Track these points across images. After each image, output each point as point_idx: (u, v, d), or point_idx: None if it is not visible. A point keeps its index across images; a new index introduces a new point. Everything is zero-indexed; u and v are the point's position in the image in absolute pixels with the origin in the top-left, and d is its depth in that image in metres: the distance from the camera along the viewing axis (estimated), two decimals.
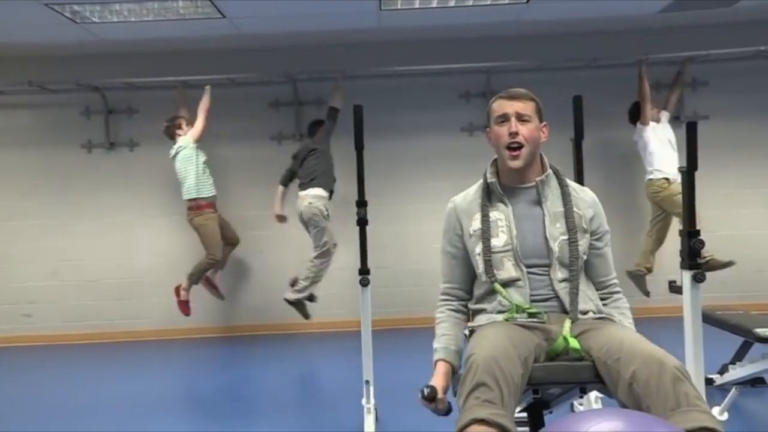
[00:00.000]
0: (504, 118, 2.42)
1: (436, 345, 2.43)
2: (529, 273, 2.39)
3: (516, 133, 2.38)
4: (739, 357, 4.09)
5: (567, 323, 2.30)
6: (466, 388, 2.00)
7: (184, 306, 6.12)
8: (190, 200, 5.92)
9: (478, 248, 2.44)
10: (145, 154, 6.66)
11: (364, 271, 3.78)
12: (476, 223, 2.46)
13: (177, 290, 6.09)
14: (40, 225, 6.67)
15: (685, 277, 3.05)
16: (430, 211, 5.87)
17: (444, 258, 2.56)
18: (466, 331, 2.51)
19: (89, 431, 4.04)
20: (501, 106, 2.44)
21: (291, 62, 6.47)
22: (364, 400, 3.76)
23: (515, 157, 2.40)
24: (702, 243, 3.10)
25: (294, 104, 6.64)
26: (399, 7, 5.56)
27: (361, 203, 3.79)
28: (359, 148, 3.77)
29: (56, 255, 6.67)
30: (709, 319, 3.63)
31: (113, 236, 6.67)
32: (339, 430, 3.87)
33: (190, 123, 6.01)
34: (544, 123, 2.48)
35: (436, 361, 2.38)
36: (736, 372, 3.94)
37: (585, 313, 2.37)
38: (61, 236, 6.66)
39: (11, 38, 5.99)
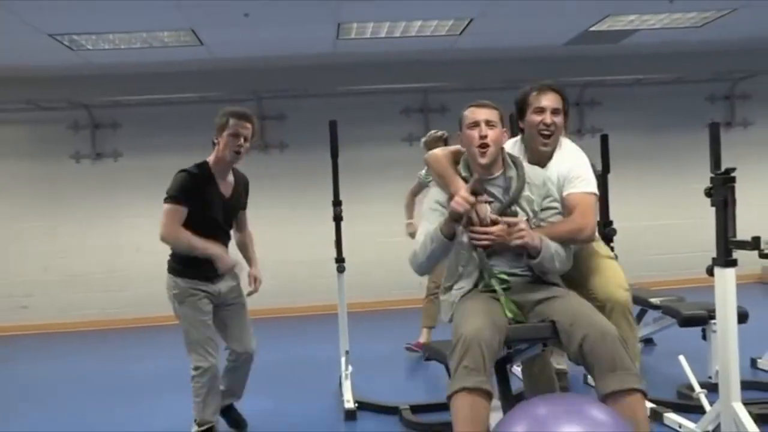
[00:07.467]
0: (475, 124, 2.66)
1: (429, 228, 2.66)
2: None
3: (485, 136, 2.63)
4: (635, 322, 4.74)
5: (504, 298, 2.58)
6: (457, 357, 2.31)
7: None
8: None
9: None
10: (128, 163, 7.02)
11: (339, 259, 4.08)
12: None
13: None
14: (33, 227, 6.96)
15: None
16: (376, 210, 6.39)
17: (428, 218, 2.73)
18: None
19: (80, 408, 4.26)
20: (473, 113, 2.68)
21: (257, 82, 6.90)
22: (343, 368, 4.05)
23: (484, 155, 2.65)
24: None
25: (258, 119, 6.98)
26: (353, 36, 6.07)
27: (337, 202, 4.08)
28: (335, 156, 4.09)
29: (47, 253, 6.97)
30: None
31: (97, 237, 7.00)
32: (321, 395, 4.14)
33: None
34: (504, 129, 2.73)
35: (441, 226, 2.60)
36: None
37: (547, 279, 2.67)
38: (51, 237, 6.97)
39: (11, 62, 6.23)
